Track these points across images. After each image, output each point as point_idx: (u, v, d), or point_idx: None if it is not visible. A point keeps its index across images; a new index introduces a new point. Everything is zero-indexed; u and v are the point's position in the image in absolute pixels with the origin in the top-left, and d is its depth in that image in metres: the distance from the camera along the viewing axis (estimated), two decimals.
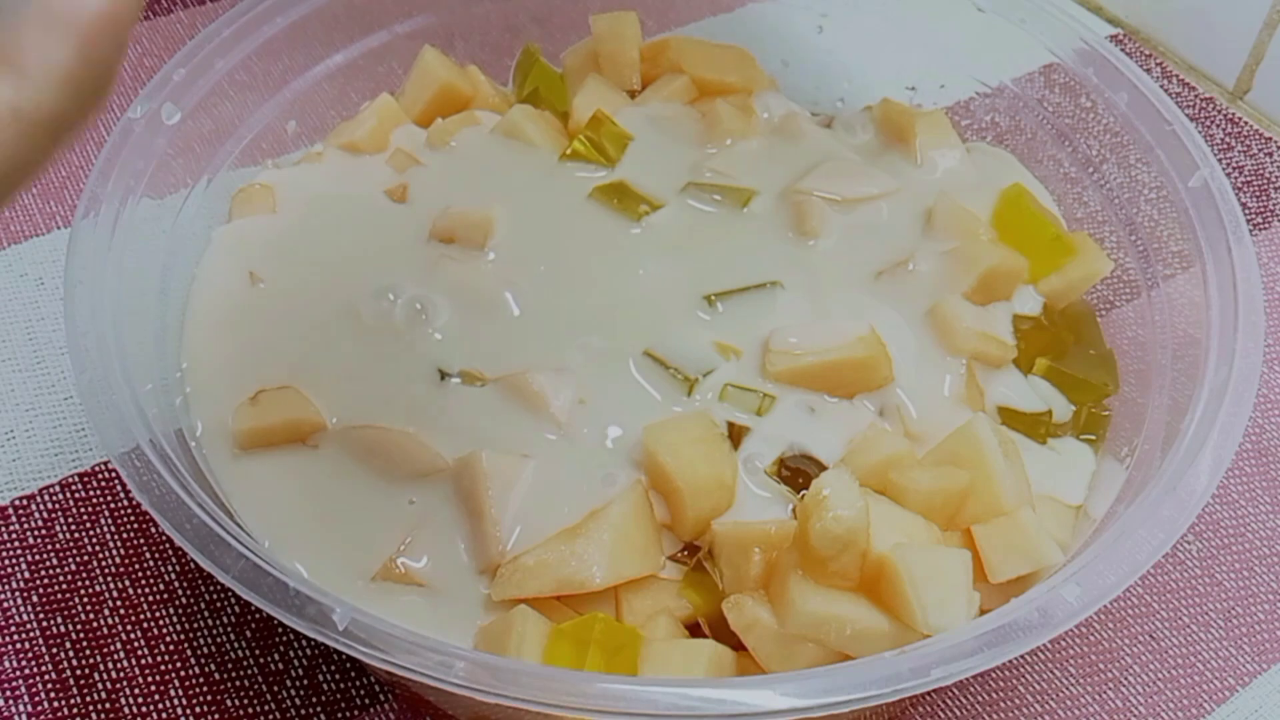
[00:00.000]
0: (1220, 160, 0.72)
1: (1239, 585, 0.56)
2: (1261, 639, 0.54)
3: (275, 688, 0.50)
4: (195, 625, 0.52)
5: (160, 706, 0.49)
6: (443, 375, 0.52)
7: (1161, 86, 0.59)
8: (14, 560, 0.53)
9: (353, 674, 0.51)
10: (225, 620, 0.52)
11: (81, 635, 0.51)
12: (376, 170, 0.61)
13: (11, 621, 0.51)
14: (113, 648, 0.51)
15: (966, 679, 0.46)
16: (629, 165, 0.61)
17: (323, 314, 0.54)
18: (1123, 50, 0.75)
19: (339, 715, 0.50)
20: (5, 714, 0.49)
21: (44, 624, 0.51)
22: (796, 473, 0.50)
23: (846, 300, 0.56)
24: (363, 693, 0.50)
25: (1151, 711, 0.52)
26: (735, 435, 0.51)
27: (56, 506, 0.55)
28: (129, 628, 0.52)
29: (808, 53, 0.69)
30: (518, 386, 0.51)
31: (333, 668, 0.51)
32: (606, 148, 0.61)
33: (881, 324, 0.53)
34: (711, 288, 0.55)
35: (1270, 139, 0.76)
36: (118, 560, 0.53)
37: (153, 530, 0.54)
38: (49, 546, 0.54)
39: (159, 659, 0.51)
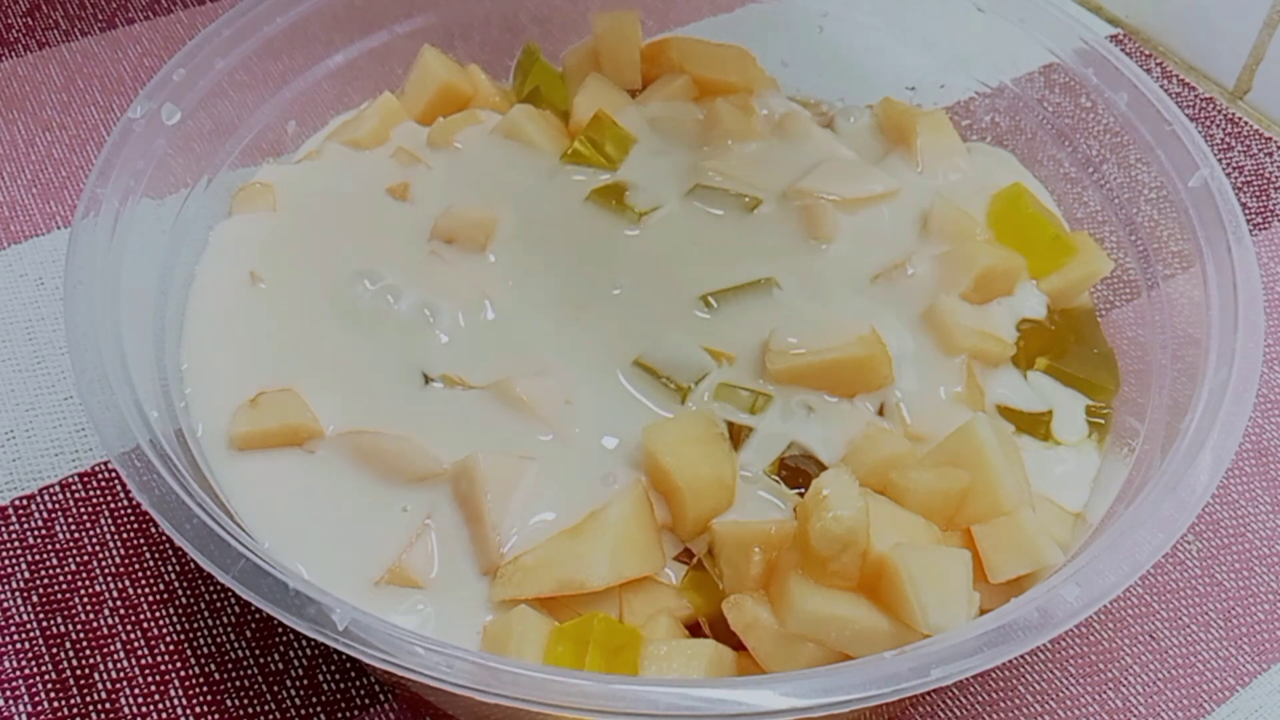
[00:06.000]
0: (1220, 160, 0.72)
1: (1239, 585, 0.56)
2: (1261, 639, 0.54)
3: (275, 688, 0.50)
4: (195, 625, 0.52)
5: (160, 706, 0.49)
6: (426, 379, 0.52)
7: (1161, 86, 0.59)
8: (14, 560, 0.53)
9: (353, 674, 0.51)
10: (225, 620, 0.52)
11: (81, 635, 0.51)
12: (378, 168, 0.61)
13: (11, 621, 0.51)
14: (113, 648, 0.51)
15: (966, 679, 0.46)
16: (630, 167, 0.61)
17: (322, 314, 0.54)
18: (1123, 50, 0.75)
19: (339, 715, 0.50)
20: (5, 714, 0.49)
21: (44, 624, 0.51)
22: (796, 472, 0.50)
23: (844, 301, 0.55)
24: (363, 693, 0.50)
25: (1151, 711, 0.52)
26: (735, 435, 0.51)
27: (56, 506, 0.55)
28: (129, 628, 0.51)
29: (808, 52, 0.69)
30: (504, 391, 0.51)
31: (333, 668, 0.51)
32: (608, 149, 0.61)
33: (879, 325, 0.53)
34: (709, 289, 0.55)
35: (1270, 139, 0.75)
36: (118, 560, 0.53)
37: (153, 530, 0.54)
38: (49, 546, 0.54)
39: (159, 659, 0.51)
